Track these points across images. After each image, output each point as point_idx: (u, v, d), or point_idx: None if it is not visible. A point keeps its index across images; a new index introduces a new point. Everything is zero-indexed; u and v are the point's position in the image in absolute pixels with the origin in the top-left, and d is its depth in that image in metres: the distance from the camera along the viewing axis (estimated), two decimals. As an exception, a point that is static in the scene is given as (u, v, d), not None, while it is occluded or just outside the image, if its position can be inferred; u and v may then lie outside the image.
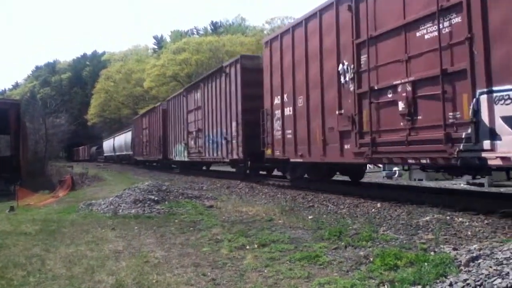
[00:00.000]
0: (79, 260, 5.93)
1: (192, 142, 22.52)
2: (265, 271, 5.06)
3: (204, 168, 27.52)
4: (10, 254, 6.51)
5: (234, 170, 19.64)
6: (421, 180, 15.70)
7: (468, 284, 3.92)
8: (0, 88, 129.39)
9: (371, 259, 5.12)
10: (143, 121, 35.82)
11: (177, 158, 25.94)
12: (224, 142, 17.87)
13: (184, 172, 26.44)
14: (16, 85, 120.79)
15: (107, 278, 4.99)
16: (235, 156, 16.93)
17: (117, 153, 51.44)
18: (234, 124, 16.78)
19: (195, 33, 76.97)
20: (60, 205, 13.06)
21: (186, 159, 23.81)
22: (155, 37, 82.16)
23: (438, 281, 4.14)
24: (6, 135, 25.89)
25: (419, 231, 6.71)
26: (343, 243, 6.09)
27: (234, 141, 16.83)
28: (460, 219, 7.27)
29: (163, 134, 28.86)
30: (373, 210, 8.90)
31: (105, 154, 62.40)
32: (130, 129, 43.42)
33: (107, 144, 60.12)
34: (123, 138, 47.17)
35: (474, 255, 4.56)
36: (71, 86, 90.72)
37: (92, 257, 6.04)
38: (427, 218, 7.53)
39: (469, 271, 4.26)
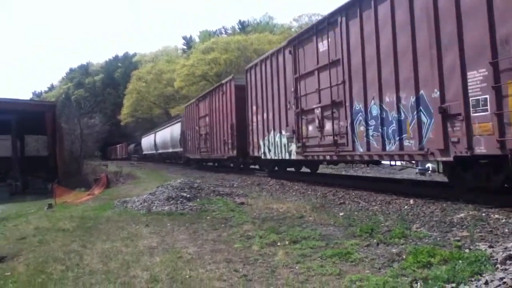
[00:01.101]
0: (115, 255, 6.10)
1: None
2: (296, 267, 5.09)
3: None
4: (50, 249, 6.76)
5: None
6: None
7: (504, 282, 3.84)
8: (36, 90, 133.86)
9: (404, 256, 5.08)
10: (200, 107, 27.77)
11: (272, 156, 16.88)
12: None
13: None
14: (52, 87, 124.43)
15: (142, 273, 5.13)
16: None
17: (160, 151, 45.52)
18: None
19: (223, 32, 77.28)
20: (95, 203, 13.42)
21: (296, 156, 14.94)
22: (184, 38, 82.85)
23: (473, 279, 4.07)
24: (43, 136, 26.74)
25: (453, 228, 6.59)
26: (375, 240, 6.05)
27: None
28: (496, 216, 7.09)
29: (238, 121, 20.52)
30: (405, 206, 8.78)
31: (144, 152, 57.50)
32: (178, 121, 36.58)
33: (147, 141, 54.90)
34: (168, 133, 40.66)
35: (511, 253, 4.46)
36: (104, 87, 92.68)
37: (127, 253, 6.21)
38: (462, 215, 7.38)
39: (506, 269, 4.18)
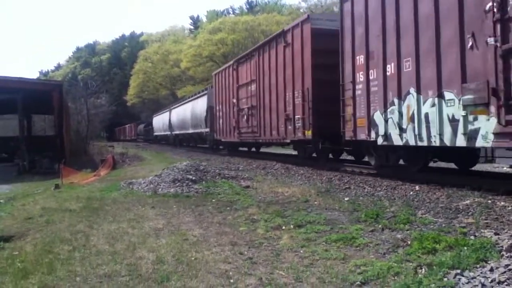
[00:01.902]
0: (121, 236, 6.16)
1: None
2: (301, 251, 5.12)
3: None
4: (57, 229, 6.83)
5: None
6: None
7: (510, 269, 3.85)
8: (43, 69, 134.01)
9: (409, 242, 5.09)
10: (240, 72, 20.88)
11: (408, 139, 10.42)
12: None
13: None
14: (58, 67, 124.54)
15: (148, 255, 5.18)
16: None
17: (176, 132, 38.55)
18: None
19: (231, 12, 76.68)
20: (102, 184, 13.52)
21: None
22: (191, 17, 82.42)
23: (478, 266, 4.08)
24: (50, 116, 26.82)
25: (459, 214, 6.58)
26: (380, 226, 6.06)
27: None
28: (502, 203, 7.08)
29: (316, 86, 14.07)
30: (411, 192, 8.78)
31: (156, 133, 51.55)
32: (202, 94, 29.60)
33: (159, 121, 48.43)
34: (187, 110, 33.11)
35: (517, 240, 4.46)
36: (110, 67, 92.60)
37: (134, 234, 6.27)
38: (468, 201, 7.37)
39: (511, 256, 4.18)
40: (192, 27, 79.15)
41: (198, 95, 30.92)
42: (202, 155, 25.12)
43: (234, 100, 21.40)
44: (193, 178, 11.71)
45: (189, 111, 32.82)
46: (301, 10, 53.29)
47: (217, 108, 24.63)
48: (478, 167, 11.63)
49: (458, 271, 3.98)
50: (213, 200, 9.10)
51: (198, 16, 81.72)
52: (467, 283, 3.76)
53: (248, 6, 73.18)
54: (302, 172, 13.58)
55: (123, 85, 76.96)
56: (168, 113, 42.54)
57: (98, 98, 44.67)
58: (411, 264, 4.39)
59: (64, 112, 25.57)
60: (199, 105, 29.87)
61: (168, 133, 42.75)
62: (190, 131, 33.08)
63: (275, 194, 9.57)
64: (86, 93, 39.35)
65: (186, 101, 35.37)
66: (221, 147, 28.11)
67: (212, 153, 27.37)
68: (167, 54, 63.89)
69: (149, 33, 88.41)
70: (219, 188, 10.62)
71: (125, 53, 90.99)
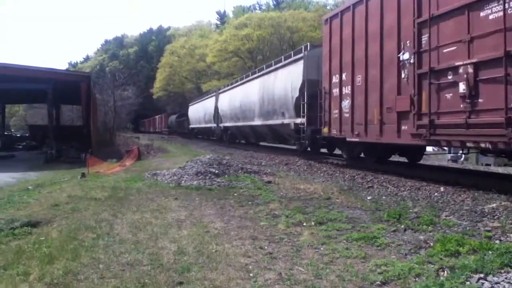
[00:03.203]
0: (144, 226, 6.26)
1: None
2: (321, 248, 5.11)
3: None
4: (82, 217, 6.99)
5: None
6: (489, 165, 14.95)
7: (535, 276, 3.76)
8: (72, 61, 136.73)
9: (431, 244, 5.02)
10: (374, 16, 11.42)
11: None
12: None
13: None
14: (87, 58, 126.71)
15: (170, 245, 5.25)
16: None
17: (229, 124, 28.83)
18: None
19: (258, 8, 76.53)
20: (127, 174, 13.73)
21: None
22: (218, 13, 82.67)
23: (502, 271, 4.00)
24: (78, 106, 27.38)
25: (484, 218, 6.44)
26: (402, 226, 5.99)
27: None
28: (530, 208, 6.90)
29: None
30: (435, 194, 8.64)
31: (192, 126, 44.21)
32: (292, 61, 18.15)
33: (198, 110, 40.38)
34: (253, 91, 23.17)
35: (544, 246, 4.34)
36: (137, 60, 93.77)
37: (156, 225, 6.36)
38: (494, 205, 7.20)
39: (537, 262, 4.08)
40: (218, 22, 79.38)
41: (280, 64, 19.49)
42: (225, 149, 25.07)
43: (407, 57, 10.14)
44: (216, 171, 11.78)
45: (258, 93, 22.13)
46: (328, 7, 52.86)
47: (335, 80, 13.61)
48: (505, 169, 11.37)
49: (482, 275, 3.91)
50: (235, 194, 9.14)
51: (225, 11, 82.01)
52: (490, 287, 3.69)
53: (274, 3, 72.84)
54: (324, 169, 13.52)
55: (150, 78, 77.84)
56: (212, 99, 33.82)
57: (125, 90, 45.36)
58: (433, 266, 4.33)
59: (92, 103, 26.07)
60: (286, 80, 18.24)
61: (212, 125, 34.12)
62: (256, 122, 22.68)
63: (297, 190, 9.55)
64: (113, 85, 40.03)
65: (248, 78, 24.79)
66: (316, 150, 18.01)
67: (236, 147, 27.15)
68: (193, 48, 64.26)
69: (176, 28, 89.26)
70: (241, 182, 10.66)
71: (152, 46, 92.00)
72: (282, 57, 20.10)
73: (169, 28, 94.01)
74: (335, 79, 13.58)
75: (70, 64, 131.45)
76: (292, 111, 17.57)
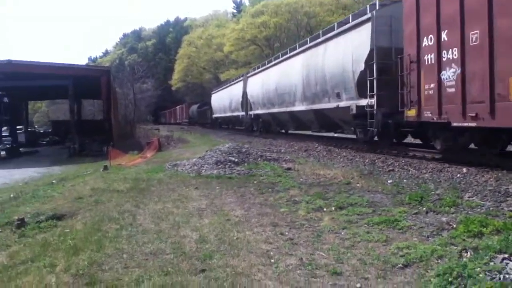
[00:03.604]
0: (166, 216, 6.34)
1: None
2: (342, 233, 5.09)
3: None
4: (105, 209, 7.11)
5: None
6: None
7: (561, 255, 3.68)
8: (91, 56, 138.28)
9: (454, 225, 4.95)
10: None
11: None
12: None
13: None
14: (106, 53, 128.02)
15: (192, 234, 5.31)
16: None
17: (261, 111, 25.76)
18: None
19: (274, -6, 75.92)
20: (148, 165, 13.89)
21: None
22: (234, 1, 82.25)
23: (527, 250, 3.92)
24: (99, 100, 27.73)
25: (508, 198, 6.33)
26: (424, 209, 5.93)
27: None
28: (557, 186, 6.74)
29: None
30: (458, 175, 8.50)
31: (216, 115, 41.36)
32: (358, 23, 13.77)
33: (222, 98, 37.06)
34: (294, 68, 19.57)
35: None
36: (156, 52, 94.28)
37: (178, 214, 6.43)
38: (519, 185, 7.07)
39: None
40: (235, 11, 79.04)
41: (333, 33, 15.63)
42: (245, 137, 25.05)
43: None
44: (236, 160, 11.82)
45: (301, 72, 18.55)
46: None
47: (427, 43, 10.38)
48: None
49: (506, 255, 3.84)
50: (255, 182, 9.16)
51: (241, 0, 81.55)
52: (515, 267, 3.63)
53: (291, -12, 72.07)
54: (344, 154, 13.43)
55: (168, 70, 78.25)
56: (240, 84, 30.66)
57: (144, 83, 45.71)
58: (455, 247, 4.28)
59: (112, 97, 26.36)
60: (344, 51, 14.54)
61: (240, 113, 30.73)
62: (300, 107, 19.08)
63: (317, 176, 9.52)
64: (133, 78, 40.39)
65: (287, 56, 21.16)
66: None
67: (256, 136, 27.07)
68: (210, 38, 64.30)
69: (193, 18, 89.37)
70: (261, 170, 10.68)
71: (169, 38, 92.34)
72: (335, 24, 16.16)
73: (186, 19, 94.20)
74: (428, 41, 10.15)
75: (89, 59, 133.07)
76: (353, 91, 13.89)
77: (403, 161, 10.89)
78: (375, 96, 12.44)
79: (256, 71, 26.92)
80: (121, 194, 8.41)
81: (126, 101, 38.18)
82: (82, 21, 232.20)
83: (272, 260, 4.30)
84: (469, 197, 6.53)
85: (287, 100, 20.67)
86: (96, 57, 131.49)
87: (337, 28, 15.49)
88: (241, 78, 30.91)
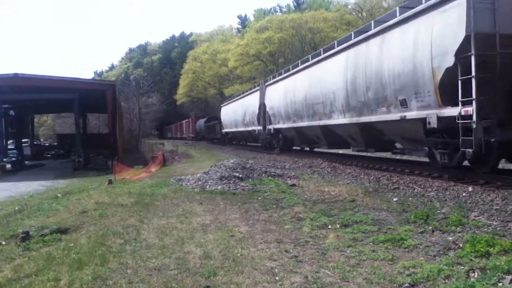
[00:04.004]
0: (170, 231, 6.33)
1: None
2: (348, 251, 5.06)
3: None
4: (109, 223, 7.11)
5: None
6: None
7: None
8: (97, 70, 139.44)
9: (461, 245, 4.91)
10: None
11: None
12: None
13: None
14: (112, 67, 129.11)
15: (196, 250, 5.29)
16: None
17: (285, 125, 21.63)
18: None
19: (278, 10, 76.62)
20: (152, 180, 13.89)
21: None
22: (239, 17, 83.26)
23: (535, 271, 3.88)
24: (104, 114, 27.87)
25: (515, 217, 6.28)
26: (430, 227, 5.89)
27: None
28: None
29: None
30: (464, 194, 8.45)
31: (226, 130, 37.27)
32: None
33: (234, 111, 33.42)
34: (336, 71, 15.08)
35: None
36: (161, 67, 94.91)
37: (182, 229, 6.42)
38: (525, 204, 7.01)
39: None
40: (239, 27, 79.81)
41: (394, 21, 11.82)
42: (249, 152, 25.05)
43: None
44: (240, 175, 11.81)
45: (343, 75, 14.52)
46: (349, 7, 52.51)
47: None
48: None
49: (514, 276, 3.81)
50: (259, 198, 9.14)
51: (245, 15, 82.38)
52: (523, 288, 3.59)
53: (295, 4, 72.78)
54: (349, 171, 13.39)
55: (173, 84, 78.62)
56: (256, 95, 26.96)
57: (149, 98, 45.97)
58: (463, 267, 4.24)
59: (117, 111, 26.50)
60: (415, 43, 10.74)
61: (256, 128, 27.05)
62: (341, 120, 15.16)
63: (321, 193, 9.49)
64: (138, 93, 40.61)
65: (322, 57, 16.93)
66: None
67: (260, 151, 26.96)
68: (215, 53, 64.74)
69: (198, 33, 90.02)
70: (265, 186, 10.66)
71: (175, 53, 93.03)
72: (396, 8, 12.32)
73: (191, 34, 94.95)
74: None
75: (95, 73, 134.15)
76: (432, 96, 10.14)
77: (408, 179, 10.84)
78: (474, 103, 8.64)
79: (277, 78, 23.24)
80: (126, 209, 8.41)
81: (131, 116, 38.37)
82: (88, 36, 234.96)
83: (277, 278, 4.27)
84: (475, 217, 6.48)
85: (320, 111, 16.63)
86: (102, 71, 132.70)
87: (399, 14, 11.58)
88: (258, 87, 27.31)
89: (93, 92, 25.33)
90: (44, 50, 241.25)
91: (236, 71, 55.05)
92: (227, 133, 37.57)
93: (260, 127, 26.33)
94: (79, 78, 26.94)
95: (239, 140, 36.15)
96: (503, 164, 10.94)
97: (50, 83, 23.56)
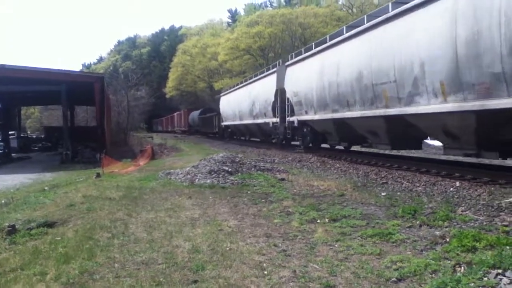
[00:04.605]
0: (158, 225, 6.30)
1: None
2: (336, 245, 5.08)
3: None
4: (97, 217, 7.05)
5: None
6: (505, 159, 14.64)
7: (554, 271, 3.68)
8: (86, 62, 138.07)
9: (448, 239, 4.96)
10: None
11: None
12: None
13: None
14: (100, 59, 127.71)
15: (184, 244, 5.27)
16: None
17: (304, 116, 17.58)
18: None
19: (269, 5, 76.32)
20: (141, 173, 13.81)
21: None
22: (229, 11, 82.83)
23: (520, 266, 3.93)
24: (92, 107, 27.62)
25: (501, 212, 6.35)
26: (417, 222, 5.93)
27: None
28: (549, 202, 6.77)
29: None
30: (451, 189, 8.53)
31: (226, 123, 32.86)
32: None
33: (237, 100, 29.02)
34: (433, 31, 9.26)
35: None
36: (150, 60, 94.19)
37: (170, 223, 6.39)
38: (511, 199, 7.10)
39: (557, 257, 3.99)
40: (230, 21, 79.39)
41: None
42: (238, 147, 25.00)
43: None
44: (229, 169, 11.79)
45: (448, 34, 8.91)
46: (340, 3, 52.49)
47: None
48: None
49: (500, 270, 3.85)
50: (248, 192, 9.14)
51: (236, 9, 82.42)
52: (509, 283, 3.63)
53: (286, -1, 72.68)
54: (338, 166, 13.44)
55: (162, 77, 78.09)
56: (271, 79, 22.14)
57: (138, 91, 45.62)
58: (449, 262, 4.28)
59: (105, 104, 26.26)
60: None
61: (269, 120, 22.30)
62: (439, 106, 9.41)
63: (311, 187, 9.51)
64: (127, 86, 40.28)
65: (396, 12, 10.99)
66: None
67: (249, 145, 26.92)
68: (205, 47, 64.36)
69: (188, 27, 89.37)
70: (255, 180, 10.65)
71: (164, 46, 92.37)
72: None
73: (181, 28, 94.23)
74: None
75: (84, 65, 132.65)
76: None
77: (396, 173, 10.92)
78: None
79: (306, 54, 17.54)
80: (114, 202, 8.35)
81: (120, 108, 38.07)
82: (76, 28, 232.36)
83: (265, 272, 4.27)
84: (462, 211, 6.55)
85: (388, 95, 11.21)
86: (90, 63, 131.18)
87: None
88: (274, 69, 21.85)
89: (81, 84, 25.03)
90: (32, 41, 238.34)
91: (226, 65, 54.78)
92: (227, 126, 33.12)
93: (275, 120, 21.48)
94: (67, 70, 26.59)
95: (243, 135, 31.30)
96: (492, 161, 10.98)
97: (38, 75, 23.22)
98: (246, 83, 27.79)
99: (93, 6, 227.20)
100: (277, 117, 21.14)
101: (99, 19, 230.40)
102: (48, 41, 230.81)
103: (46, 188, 11.64)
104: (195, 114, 48.21)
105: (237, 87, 29.96)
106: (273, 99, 21.58)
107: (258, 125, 24.87)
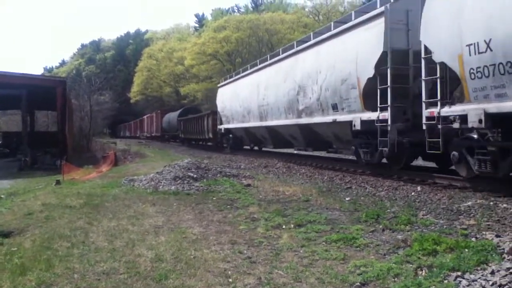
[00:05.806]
0: (120, 234, 6.13)
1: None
2: (301, 251, 5.08)
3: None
4: (56, 226, 6.80)
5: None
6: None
7: (511, 272, 3.80)
8: (47, 66, 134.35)
9: (409, 243, 5.04)
10: None
11: None
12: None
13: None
14: (63, 63, 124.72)
15: (147, 252, 5.15)
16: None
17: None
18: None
19: (236, 11, 76.64)
20: (103, 180, 13.48)
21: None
22: (196, 15, 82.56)
23: (479, 268, 4.04)
24: (53, 112, 26.85)
25: (460, 216, 6.54)
26: (380, 226, 6.02)
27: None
28: (505, 205, 7.03)
29: None
30: (412, 193, 8.73)
31: (227, 126, 24.48)
32: None
33: (250, 89, 20.13)
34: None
35: (519, 243, 4.39)
36: (114, 64, 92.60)
37: (133, 231, 6.24)
38: (469, 203, 7.32)
39: (513, 259, 4.12)
40: (197, 25, 79.17)
41: None
42: (203, 152, 24.84)
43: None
44: (194, 175, 11.67)
45: None
46: (306, 9, 53.23)
47: None
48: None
49: (459, 273, 3.94)
50: (214, 198, 9.06)
51: (203, 14, 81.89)
52: (467, 285, 3.72)
53: (253, 5, 72.98)
54: (303, 171, 13.54)
55: (127, 82, 76.86)
56: (350, 36, 12.03)
57: (102, 95, 44.67)
58: (411, 265, 4.35)
59: (67, 109, 25.59)
60: None
61: (339, 118, 12.65)
62: None
63: (276, 193, 9.52)
64: (90, 90, 39.38)
65: None
66: None
67: (213, 151, 26.81)
68: (171, 51, 63.85)
69: (154, 31, 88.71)
70: (220, 186, 10.58)
71: (129, 50, 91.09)
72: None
73: (147, 32, 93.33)
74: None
75: (45, 69, 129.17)
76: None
77: (360, 178, 11.09)
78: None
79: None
80: (74, 210, 8.10)
81: (82, 113, 37.13)
82: (38, 30, 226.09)
83: (230, 280, 4.22)
84: (423, 215, 6.70)
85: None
86: (52, 67, 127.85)
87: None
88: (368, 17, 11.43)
89: (42, 89, 24.30)
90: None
91: (193, 70, 54.46)
92: (229, 130, 24.67)
93: (359, 114, 11.88)
94: (27, 74, 25.76)
95: (257, 143, 23.09)
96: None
97: (-4, 78, 22.41)
98: (277, 59, 18.00)
99: (56, 7, 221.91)
100: (360, 112, 12.10)
101: (62, 22, 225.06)
102: (8, 43, 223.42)
103: (2, 196, 11.20)
104: (171, 116, 39.69)
105: (252, 70, 20.99)
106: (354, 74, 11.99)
107: (307, 125, 15.08)
